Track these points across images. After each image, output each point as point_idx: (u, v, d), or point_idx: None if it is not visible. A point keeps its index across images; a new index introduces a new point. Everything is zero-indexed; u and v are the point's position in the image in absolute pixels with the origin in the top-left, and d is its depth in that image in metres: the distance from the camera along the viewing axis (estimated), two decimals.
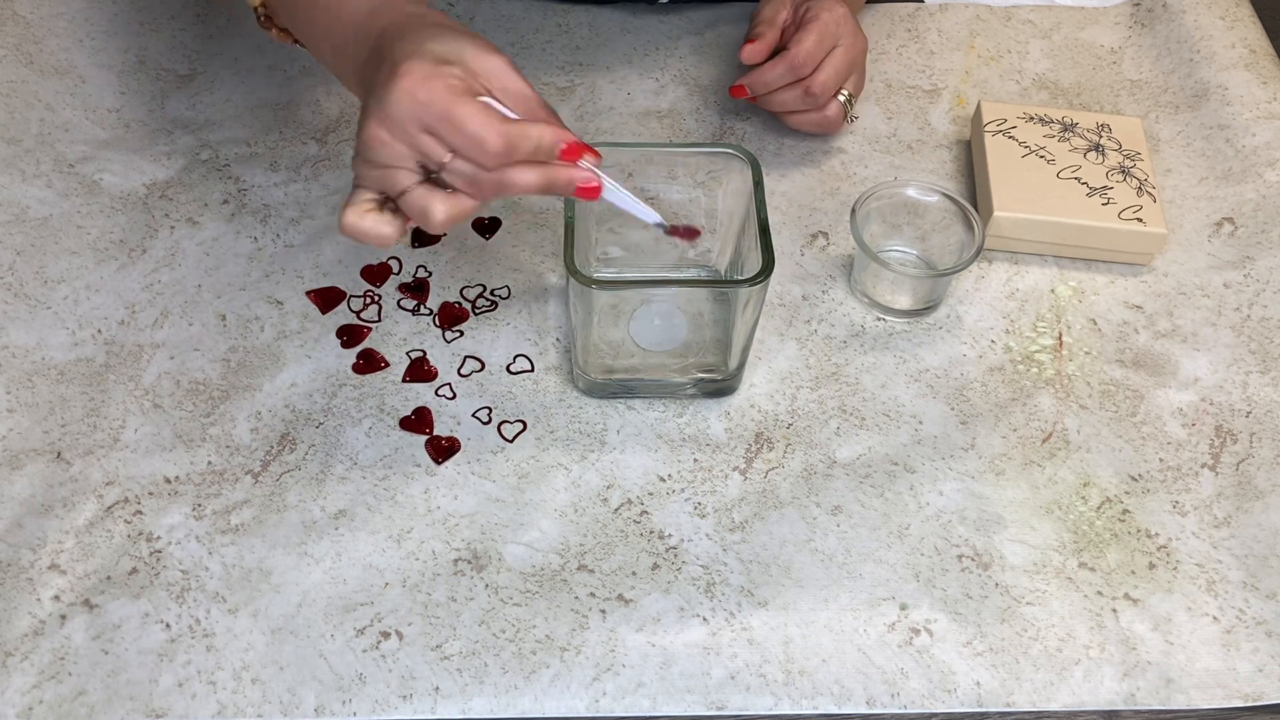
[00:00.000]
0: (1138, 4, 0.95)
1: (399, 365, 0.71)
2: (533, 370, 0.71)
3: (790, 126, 0.83)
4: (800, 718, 0.59)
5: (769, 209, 0.73)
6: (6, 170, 0.79)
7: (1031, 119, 0.82)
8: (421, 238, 0.77)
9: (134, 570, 0.62)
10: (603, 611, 0.62)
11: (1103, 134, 0.81)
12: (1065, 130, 0.81)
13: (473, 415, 0.69)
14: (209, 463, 0.66)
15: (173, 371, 0.70)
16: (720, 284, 0.73)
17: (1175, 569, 0.64)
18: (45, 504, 0.64)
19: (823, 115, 0.80)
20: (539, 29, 0.91)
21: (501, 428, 0.69)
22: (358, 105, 0.58)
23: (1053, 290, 0.77)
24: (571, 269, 0.62)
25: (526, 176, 0.55)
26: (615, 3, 0.93)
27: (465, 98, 0.53)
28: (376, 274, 0.75)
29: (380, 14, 0.58)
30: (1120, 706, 0.59)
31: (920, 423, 0.70)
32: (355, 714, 0.58)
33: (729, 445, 0.68)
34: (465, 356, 0.72)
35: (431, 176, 0.55)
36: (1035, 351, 0.74)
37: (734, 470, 0.67)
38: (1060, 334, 0.75)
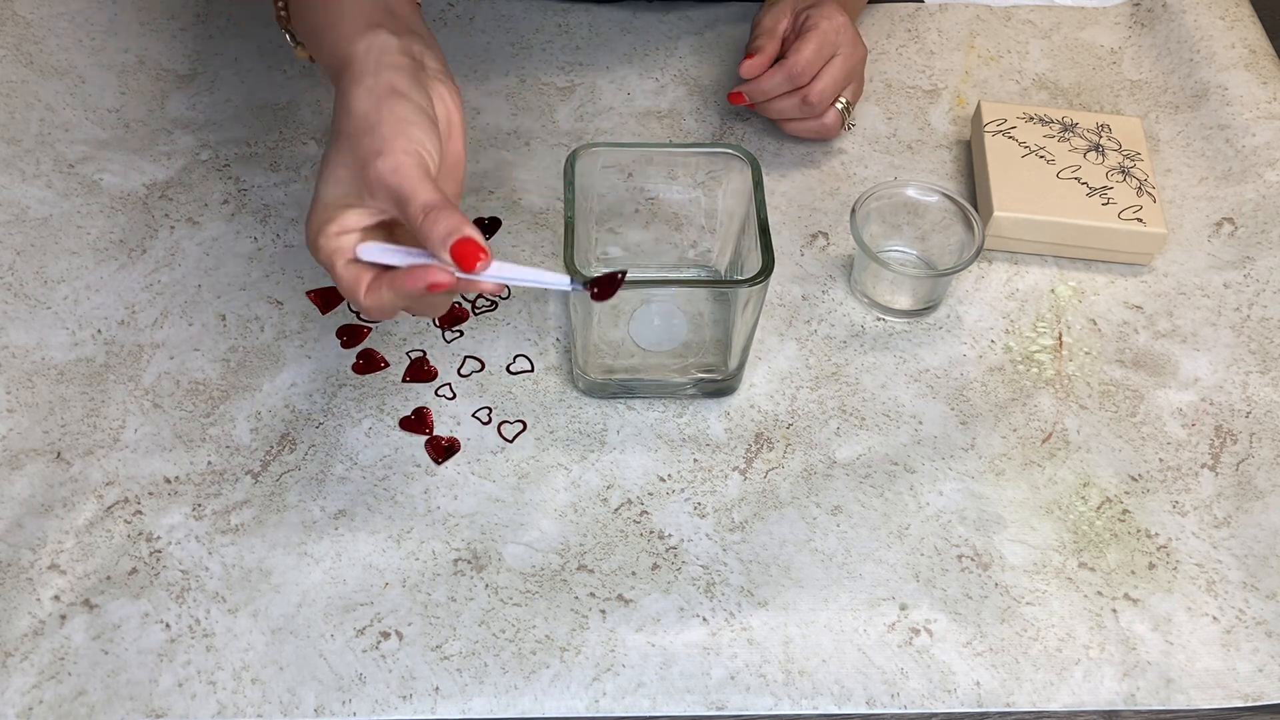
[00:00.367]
0: (1138, 4, 0.95)
1: (399, 365, 0.71)
2: (533, 370, 0.71)
3: (787, 133, 0.83)
4: (800, 718, 0.59)
5: (769, 209, 0.73)
6: (6, 170, 0.79)
7: (1031, 119, 0.82)
8: None
9: (134, 570, 0.62)
10: (603, 611, 0.62)
11: (1103, 134, 0.81)
12: (1065, 130, 0.81)
13: (473, 415, 0.69)
14: (209, 463, 0.66)
15: (173, 371, 0.70)
16: (720, 284, 0.73)
17: (1175, 569, 0.64)
18: (45, 504, 0.64)
19: (820, 123, 0.80)
20: (539, 29, 0.91)
21: (501, 428, 0.69)
22: None
23: (1053, 290, 0.77)
24: (571, 269, 0.62)
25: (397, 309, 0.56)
26: (615, 2, 0.93)
27: (339, 259, 0.55)
28: None
29: (342, 57, 0.58)
30: (1120, 706, 0.59)
31: (920, 423, 0.70)
32: (355, 714, 0.58)
33: (729, 445, 0.68)
34: (465, 356, 0.72)
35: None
36: (1035, 351, 0.74)
37: (734, 470, 0.67)
38: (1060, 334, 0.75)
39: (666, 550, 0.64)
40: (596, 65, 0.89)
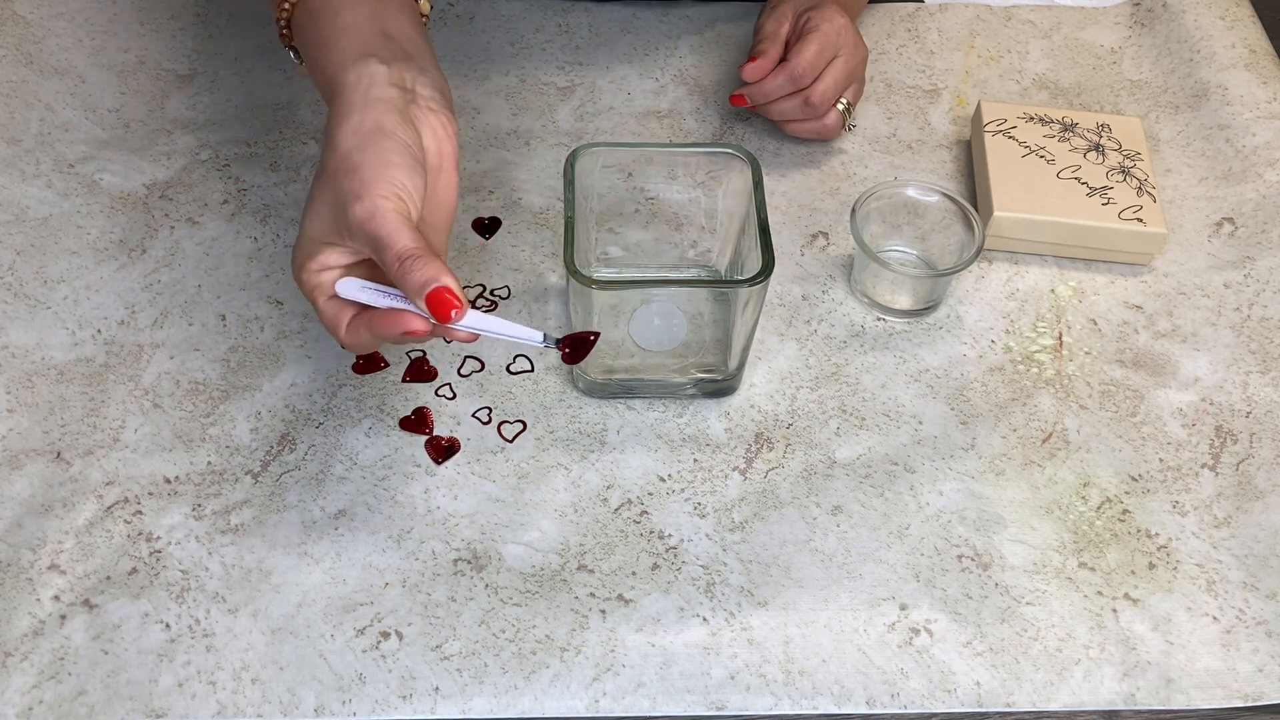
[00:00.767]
0: (1138, 4, 0.95)
1: (399, 365, 0.71)
2: (533, 370, 0.71)
3: (788, 134, 0.83)
4: (800, 718, 0.59)
5: (769, 209, 0.73)
6: (6, 170, 0.79)
7: (1031, 119, 0.82)
8: None
9: (134, 570, 0.62)
10: (603, 611, 0.62)
11: (1103, 134, 0.81)
12: (1065, 130, 0.81)
13: (473, 415, 0.69)
14: (209, 463, 0.66)
15: (173, 371, 0.70)
16: (720, 284, 0.73)
17: (1175, 569, 0.64)
18: (45, 504, 0.64)
19: (822, 124, 0.81)
20: (539, 29, 0.91)
21: (501, 428, 0.69)
22: None
23: (1053, 290, 0.77)
24: (571, 269, 0.62)
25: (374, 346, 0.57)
26: (615, 1, 0.93)
27: (319, 296, 0.56)
28: None
29: (333, 82, 0.58)
30: (1120, 706, 0.59)
31: (920, 423, 0.70)
32: (355, 714, 0.58)
33: (729, 445, 0.68)
34: (465, 356, 0.72)
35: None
36: (1035, 351, 0.74)
37: (734, 470, 0.67)
38: (1060, 334, 0.75)
39: (666, 550, 0.64)
40: (596, 65, 0.89)
